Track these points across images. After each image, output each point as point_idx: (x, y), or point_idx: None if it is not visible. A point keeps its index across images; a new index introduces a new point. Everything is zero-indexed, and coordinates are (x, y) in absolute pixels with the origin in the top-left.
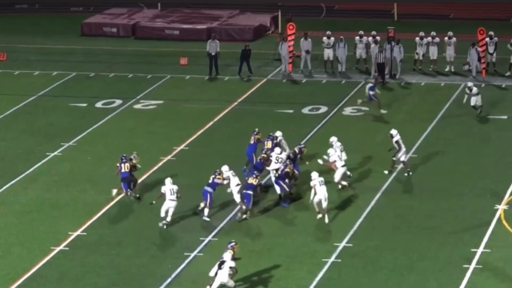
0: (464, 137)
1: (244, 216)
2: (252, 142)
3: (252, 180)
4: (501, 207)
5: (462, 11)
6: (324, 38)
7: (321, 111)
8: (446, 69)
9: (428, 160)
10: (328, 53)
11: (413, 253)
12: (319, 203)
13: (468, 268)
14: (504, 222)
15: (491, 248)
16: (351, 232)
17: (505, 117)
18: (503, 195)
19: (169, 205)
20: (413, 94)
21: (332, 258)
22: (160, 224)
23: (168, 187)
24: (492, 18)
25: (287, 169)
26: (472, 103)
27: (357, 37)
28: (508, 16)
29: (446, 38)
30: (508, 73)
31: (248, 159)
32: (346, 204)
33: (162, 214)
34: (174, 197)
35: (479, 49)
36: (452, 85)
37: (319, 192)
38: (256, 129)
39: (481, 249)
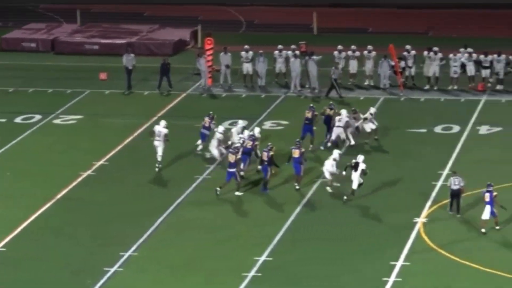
0: (384, 150)
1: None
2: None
3: (231, 158)
4: (420, 220)
5: (381, 25)
6: (243, 53)
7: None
8: (366, 83)
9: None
10: (247, 67)
11: (334, 266)
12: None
13: (387, 281)
14: (423, 235)
15: (410, 261)
16: (271, 246)
17: (424, 130)
18: (422, 209)
19: (155, 145)
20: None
21: (253, 272)
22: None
23: (157, 128)
24: (411, 32)
25: (271, 153)
26: (368, 130)
27: (276, 51)
28: (427, 30)
29: (365, 52)
30: (454, 87)
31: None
32: (266, 217)
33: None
34: (159, 138)
35: (392, 62)
36: (371, 99)
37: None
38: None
39: (400, 262)
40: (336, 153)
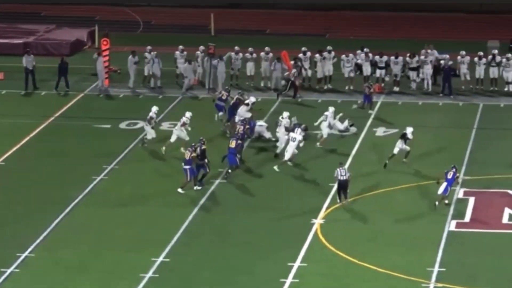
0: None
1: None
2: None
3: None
4: (318, 222)
5: (279, 26)
6: (146, 54)
7: (138, 126)
8: (262, 84)
9: (244, 176)
10: (148, 68)
11: (231, 268)
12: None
13: (285, 282)
14: (320, 236)
15: (307, 262)
16: (169, 247)
17: (317, 132)
18: (320, 210)
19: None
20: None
21: (150, 273)
22: None
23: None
24: (309, 34)
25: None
26: (268, 136)
27: (178, 52)
28: (325, 31)
29: (262, 53)
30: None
31: None
32: (163, 219)
33: None
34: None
35: (285, 66)
36: (269, 100)
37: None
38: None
39: (298, 263)
40: (298, 132)
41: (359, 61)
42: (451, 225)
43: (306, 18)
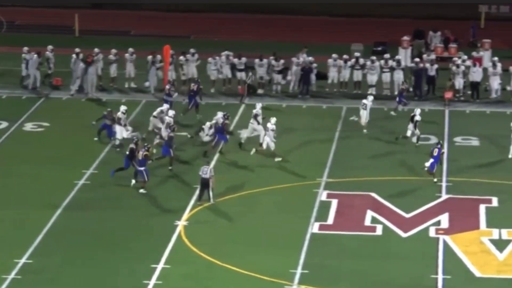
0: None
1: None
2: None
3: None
4: (181, 223)
5: (143, 27)
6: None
7: (1, 126)
8: (126, 86)
9: (100, 177)
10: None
11: (96, 268)
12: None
13: (148, 284)
14: (184, 238)
15: (171, 264)
16: (32, 249)
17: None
18: (183, 212)
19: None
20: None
21: (12, 275)
22: None
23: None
24: (173, 35)
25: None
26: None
27: (48, 52)
28: (189, 34)
29: (127, 54)
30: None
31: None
32: (25, 220)
33: None
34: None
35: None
36: (133, 102)
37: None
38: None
39: (161, 265)
40: (272, 121)
41: (220, 63)
42: (314, 227)
43: (172, 19)
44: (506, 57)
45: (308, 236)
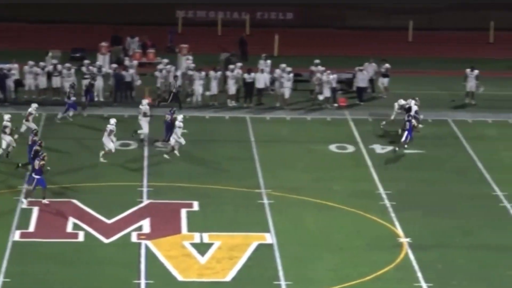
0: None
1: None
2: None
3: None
4: None
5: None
6: None
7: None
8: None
9: None
10: None
11: None
12: None
13: None
14: None
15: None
16: None
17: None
18: None
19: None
20: None
21: None
22: None
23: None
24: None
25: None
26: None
27: None
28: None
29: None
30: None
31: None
32: None
33: None
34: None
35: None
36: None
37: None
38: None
39: None
40: (180, 119)
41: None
42: (16, 235)
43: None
44: (205, 61)
45: (9, 244)
